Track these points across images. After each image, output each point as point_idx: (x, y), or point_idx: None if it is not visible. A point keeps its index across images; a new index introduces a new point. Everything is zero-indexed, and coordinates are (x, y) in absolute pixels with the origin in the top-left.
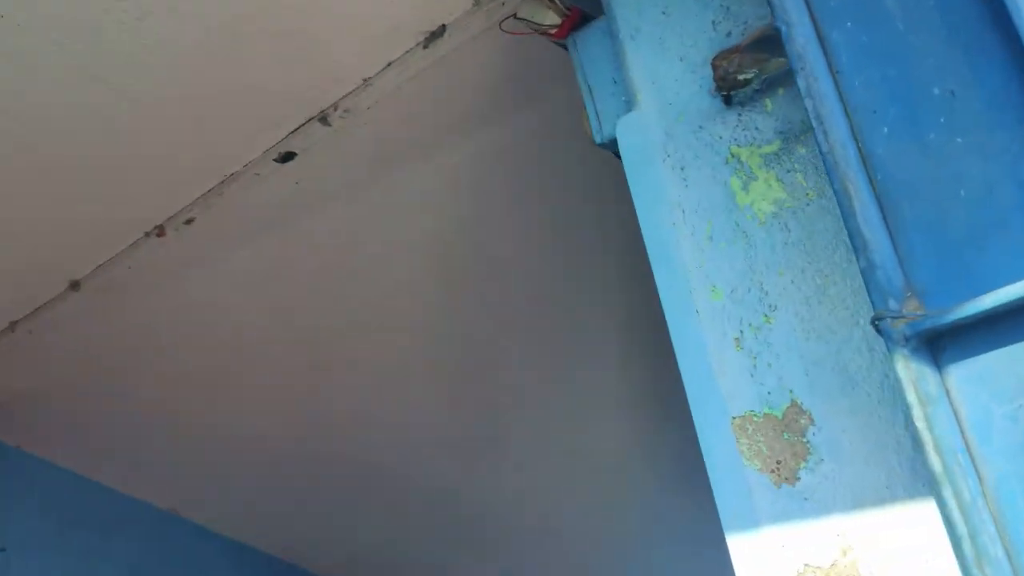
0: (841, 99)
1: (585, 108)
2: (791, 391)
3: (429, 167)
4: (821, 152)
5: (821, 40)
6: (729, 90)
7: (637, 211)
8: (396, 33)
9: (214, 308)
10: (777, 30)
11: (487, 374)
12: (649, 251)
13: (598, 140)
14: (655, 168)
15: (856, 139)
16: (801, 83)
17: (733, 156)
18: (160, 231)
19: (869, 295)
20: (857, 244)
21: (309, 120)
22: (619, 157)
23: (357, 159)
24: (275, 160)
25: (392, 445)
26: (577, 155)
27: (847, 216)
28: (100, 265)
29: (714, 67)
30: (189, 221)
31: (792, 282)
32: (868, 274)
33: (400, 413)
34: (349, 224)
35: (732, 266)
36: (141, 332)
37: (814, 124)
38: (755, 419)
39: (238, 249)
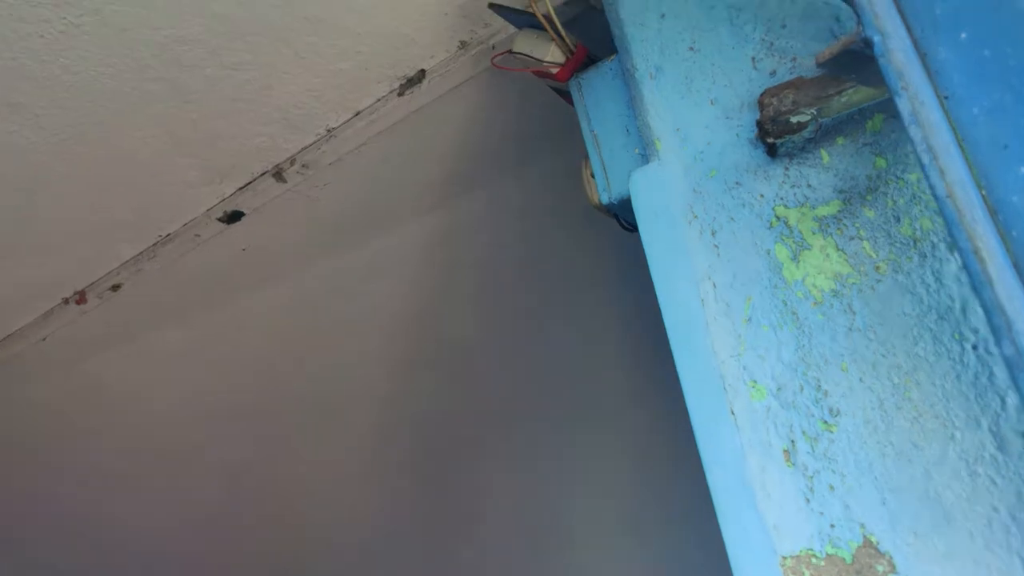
0: (953, 132)
1: (588, 162)
2: (863, 525)
3: (398, 235)
4: (936, 197)
5: (921, 59)
6: (777, 136)
7: (655, 284)
8: (367, 76)
9: (138, 392)
10: (866, 42)
11: (457, 480)
12: (670, 335)
13: (604, 199)
14: (679, 232)
15: (978, 183)
16: (903, 108)
17: (779, 219)
18: (81, 297)
19: (1021, 395)
20: (997, 324)
21: (261, 175)
22: (625, 226)
23: (314, 223)
24: (219, 220)
25: (342, 562)
26: (571, 225)
27: (981, 286)
28: (10, 335)
29: (761, 106)
30: (115, 287)
31: (860, 380)
32: (1016, 366)
33: (351, 523)
34: (301, 299)
35: (779, 357)
36: (52, 417)
37: (923, 161)
38: (814, 561)
39: (171, 323)
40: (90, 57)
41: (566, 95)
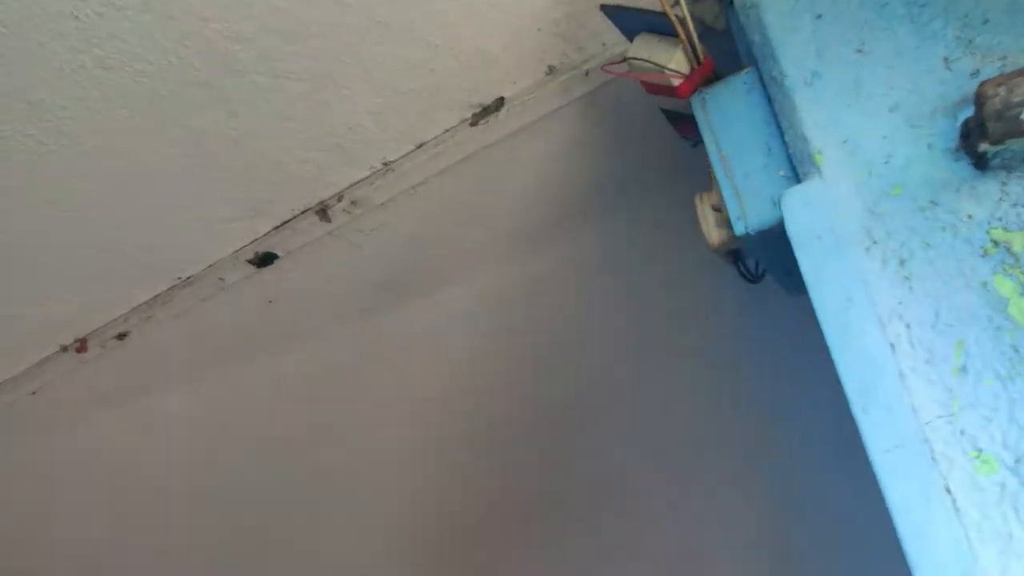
0: None
1: (707, 196)
2: None
3: (449, 296)
4: None
5: None
6: (996, 141)
7: (823, 326)
8: (437, 101)
9: (133, 462)
10: None
11: None
12: (848, 389)
13: (739, 230)
14: (853, 261)
15: None
16: None
17: (997, 245)
18: (82, 345)
19: None
20: None
21: (303, 212)
22: (747, 275)
23: (355, 274)
24: (249, 262)
25: None
26: (662, 289)
27: None
28: None
29: (981, 99)
30: (121, 336)
31: None
32: None
33: None
34: (329, 365)
35: (1013, 418)
36: (35, 486)
37: None
38: None
39: (177, 382)
40: (128, 49)
41: (678, 118)
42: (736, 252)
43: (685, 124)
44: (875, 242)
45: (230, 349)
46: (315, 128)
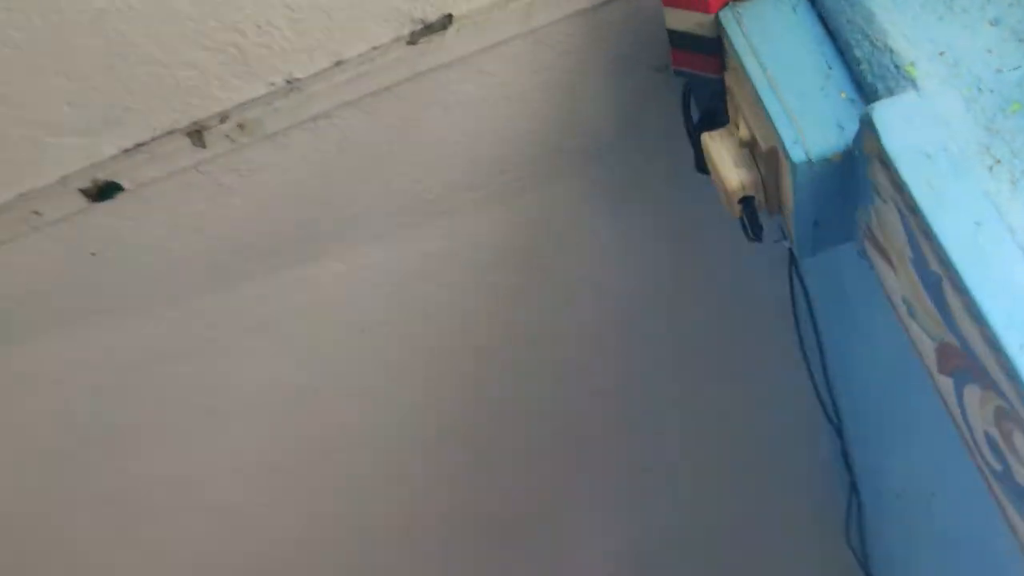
0: None
1: (757, 116)
2: None
3: (327, 272)
4: None
5: None
6: None
7: (950, 253)
8: (370, 7)
9: None
10: None
11: None
12: (993, 324)
13: (799, 156)
14: (977, 182)
15: None
16: None
17: None
18: None
19: None
20: None
21: (171, 131)
22: (750, 232)
23: (215, 229)
24: (83, 192)
25: None
26: (624, 269)
27: None
28: None
29: None
30: None
31: None
32: None
33: None
34: (152, 352)
35: None
36: None
37: None
38: None
39: None
40: None
41: (687, 43)
42: (748, 200)
43: (688, 53)
44: (998, 161)
45: (22, 316)
46: (211, 17)
